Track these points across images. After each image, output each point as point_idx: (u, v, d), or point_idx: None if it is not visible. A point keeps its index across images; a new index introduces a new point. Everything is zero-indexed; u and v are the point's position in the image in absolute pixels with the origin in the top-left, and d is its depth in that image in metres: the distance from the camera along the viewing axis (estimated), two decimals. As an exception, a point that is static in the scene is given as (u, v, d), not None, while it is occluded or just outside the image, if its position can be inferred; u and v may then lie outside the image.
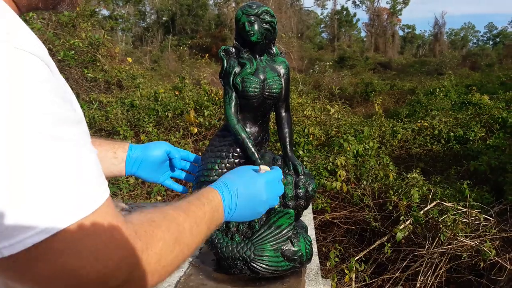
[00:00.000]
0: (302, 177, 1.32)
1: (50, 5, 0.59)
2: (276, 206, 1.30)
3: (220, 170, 1.34)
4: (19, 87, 0.41)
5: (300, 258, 1.31)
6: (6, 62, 0.40)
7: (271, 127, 3.78)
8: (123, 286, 0.51)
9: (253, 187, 0.91)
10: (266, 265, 1.28)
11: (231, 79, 1.29)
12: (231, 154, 1.33)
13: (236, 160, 1.34)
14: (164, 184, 1.33)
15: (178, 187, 1.36)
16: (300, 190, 1.31)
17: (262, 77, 1.29)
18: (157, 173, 1.28)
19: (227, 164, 1.33)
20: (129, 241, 0.51)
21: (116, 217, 0.52)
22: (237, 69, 1.29)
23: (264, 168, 0.99)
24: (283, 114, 1.40)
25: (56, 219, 0.45)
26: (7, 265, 0.45)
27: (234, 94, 1.30)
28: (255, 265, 1.27)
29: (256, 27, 1.24)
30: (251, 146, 1.30)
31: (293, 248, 1.30)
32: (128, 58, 8.15)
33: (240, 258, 1.28)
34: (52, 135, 0.45)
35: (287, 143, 1.38)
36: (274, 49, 1.34)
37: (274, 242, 1.28)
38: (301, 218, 1.44)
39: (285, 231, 1.28)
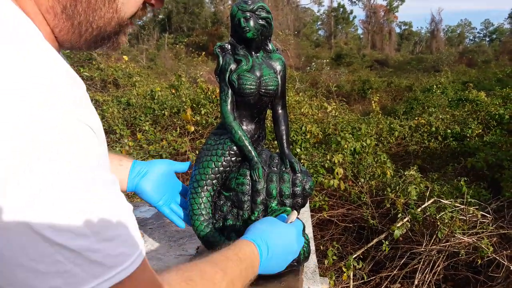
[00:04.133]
0: (299, 175, 1.31)
1: (92, 48, 0.63)
2: (273, 204, 1.29)
3: (216, 169, 1.32)
4: (75, 148, 0.45)
5: (298, 257, 1.30)
6: (66, 129, 0.45)
7: (268, 125, 3.76)
8: None
9: (287, 239, 0.93)
10: None
11: (227, 76, 1.28)
12: (227, 152, 1.32)
13: (233, 158, 1.33)
14: (162, 212, 1.30)
15: (178, 221, 1.34)
16: (297, 188, 1.30)
17: (258, 74, 1.28)
18: (159, 190, 1.27)
19: (223, 162, 1.32)
20: None
21: (153, 279, 0.53)
22: (232, 66, 1.27)
23: (291, 217, 1.00)
24: (280, 111, 1.39)
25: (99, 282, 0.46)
26: None
27: (230, 91, 1.29)
28: None
29: (251, 23, 1.22)
30: (247, 144, 1.29)
31: None
32: (124, 57, 8.11)
33: None
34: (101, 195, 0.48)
35: (284, 141, 1.37)
36: (270, 46, 1.32)
37: None
38: (298, 216, 1.43)
39: None
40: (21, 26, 0.49)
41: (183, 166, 1.37)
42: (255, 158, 1.29)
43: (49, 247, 0.43)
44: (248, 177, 1.31)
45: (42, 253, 0.42)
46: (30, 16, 0.52)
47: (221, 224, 1.34)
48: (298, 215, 1.41)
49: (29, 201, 0.41)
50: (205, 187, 1.33)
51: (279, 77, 1.32)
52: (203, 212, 1.33)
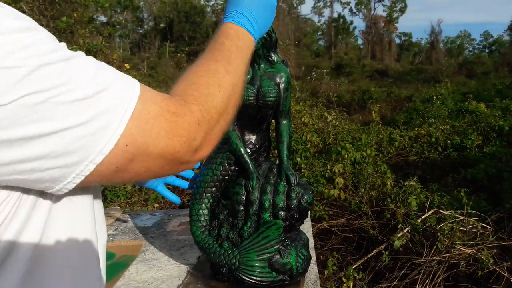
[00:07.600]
0: (296, 187, 1.30)
1: None
2: (266, 216, 1.29)
3: (215, 177, 1.34)
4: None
5: (290, 271, 1.29)
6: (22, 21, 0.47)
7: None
8: (204, 143, 0.59)
9: None
10: (251, 275, 1.26)
11: None
12: (225, 161, 1.33)
13: (231, 167, 1.34)
14: (157, 190, 1.40)
15: (172, 196, 1.42)
16: (292, 201, 1.29)
17: (257, 85, 1.29)
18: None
19: (222, 171, 1.33)
20: (186, 109, 0.57)
21: (161, 95, 0.56)
22: (234, 77, 1.29)
23: None
24: (283, 122, 1.40)
25: (122, 113, 0.49)
26: (102, 173, 0.49)
27: None
28: (239, 274, 1.26)
29: None
30: (244, 154, 1.30)
31: (282, 260, 1.28)
32: (125, 65, 8.14)
33: (226, 265, 1.28)
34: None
35: (284, 153, 1.37)
36: (274, 57, 1.33)
37: (260, 252, 1.27)
38: (300, 228, 1.42)
39: (272, 242, 1.26)
40: None
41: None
42: (251, 168, 1.30)
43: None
44: (243, 187, 1.32)
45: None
46: None
47: (216, 232, 1.35)
48: (295, 229, 1.39)
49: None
50: (204, 194, 1.34)
51: (280, 88, 1.33)
52: (201, 219, 1.35)
